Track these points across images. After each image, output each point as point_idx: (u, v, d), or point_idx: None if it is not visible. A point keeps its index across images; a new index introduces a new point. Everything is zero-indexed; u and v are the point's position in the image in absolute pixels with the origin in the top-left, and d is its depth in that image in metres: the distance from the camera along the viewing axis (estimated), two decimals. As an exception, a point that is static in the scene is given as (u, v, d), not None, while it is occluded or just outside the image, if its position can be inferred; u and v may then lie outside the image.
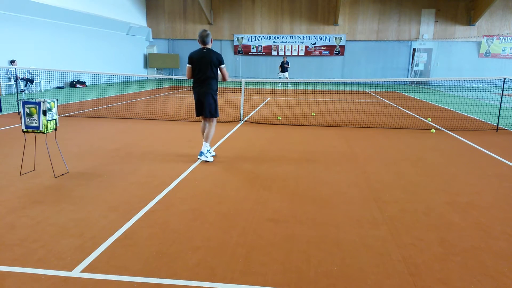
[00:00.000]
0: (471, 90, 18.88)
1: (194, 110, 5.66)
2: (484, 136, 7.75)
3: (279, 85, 22.07)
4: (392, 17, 24.97)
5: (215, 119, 5.61)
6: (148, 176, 4.82)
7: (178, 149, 6.27)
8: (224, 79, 5.58)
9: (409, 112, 11.38)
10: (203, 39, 5.32)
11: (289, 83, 22.21)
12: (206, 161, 5.50)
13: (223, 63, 5.43)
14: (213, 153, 5.85)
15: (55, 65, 17.04)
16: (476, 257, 2.96)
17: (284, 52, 26.10)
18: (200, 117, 5.67)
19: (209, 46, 5.38)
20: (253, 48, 26.37)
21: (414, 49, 25.39)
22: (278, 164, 5.52)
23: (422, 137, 7.59)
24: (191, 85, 5.62)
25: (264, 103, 13.31)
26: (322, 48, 25.90)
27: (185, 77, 8.91)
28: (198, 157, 5.53)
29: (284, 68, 21.01)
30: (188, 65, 5.44)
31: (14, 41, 15.32)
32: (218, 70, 5.46)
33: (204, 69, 5.33)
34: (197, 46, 5.51)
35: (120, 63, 23.36)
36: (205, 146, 5.49)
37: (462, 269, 2.79)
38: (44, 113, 4.48)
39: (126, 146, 6.44)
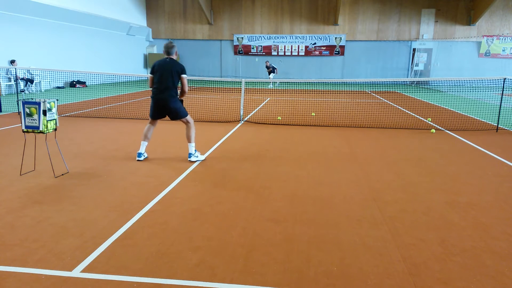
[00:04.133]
0: (471, 90, 18.87)
1: (150, 112, 5.61)
2: (484, 136, 7.75)
3: (270, 86, 21.92)
4: (392, 17, 24.96)
5: (188, 118, 5.59)
6: (148, 176, 4.82)
7: (178, 149, 6.27)
8: (183, 89, 5.54)
9: (409, 112, 11.38)
10: (167, 49, 5.44)
11: (271, 84, 22.15)
12: (197, 160, 5.53)
13: (185, 73, 5.46)
14: (200, 158, 5.65)
15: (55, 65, 17.03)
16: (476, 257, 2.96)
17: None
18: (154, 120, 5.65)
19: (173, 57, 5.47)
20: (253, 48, 26.36)
21: (414, 49, 25.39)
22: (278, 164, 5.52)
23: (422, 137, 7.59)
24: (151, 93, 5.57)
25: (264, 103, 13.31)
26: (322, 48, 25.89)
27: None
28: (188, 159, 5.55)
29: (269, 71, 21.44)
30: (150, 74, 5.50)
31: (14, 41, 15.31)
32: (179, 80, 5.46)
33: (165, 78, 5.35)
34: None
35: (120, 63, 23.35)
36: (191, 147, 5.54)
37: (462, 269, 2.79)
38: (44, 113, 4.48)
39: (126, 146, 6.44)
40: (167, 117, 5.66)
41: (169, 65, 5.37)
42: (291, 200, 4.08)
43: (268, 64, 21.85)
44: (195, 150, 5.59)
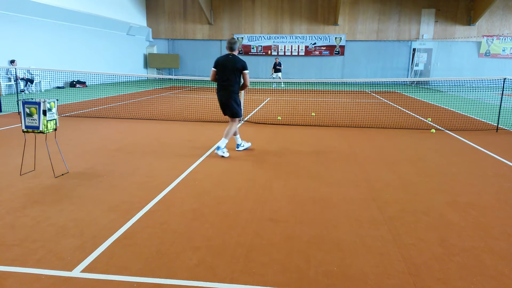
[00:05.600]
0: (471, 90, 18.87)
1: (212, 111, 5.99)
2: (484, 136, 7.75)
3: (274, 85, 22.01)
4: (392, 17, 24.96)
5: (236, 119, 5.90)
6: (148, 176, 4.82)
7: (178, 149, 6.27)
8: (244, 83, 5.86)
9: (409, 112, 11.38)
10: (230, 45, 5.72)
11: (282, 83, 22.19)
12: (223, 156, 5.74)
13: (246, 69, 5.72)
14: (246, 146, 6.28)
15: (55, 65, 17.03)
16: (476, 257, 2.96)
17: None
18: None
19: (235, 52, 5.73)
20: (253, 48, 26.37)
21: (414, 49, 25.39)
22: (278, 164, 5.52)
23: (422, 137, 7.59)
24: (216, 88, 5.93)
25: (264, 103, 13.31)
26: (322, 48, 25.89)
27: (184, 77, 9.11)
28: (216, 151, 5.78)
29: (276, 69, 21.18)
30: (213, 68, 5.80)
31: (14, 41, 15.32)
32: (241, 75, 5.81)
33: (228, 74, 5.65)
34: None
35: (120, 63, 23.36)
36: (223, 142, 5.75)
37: (462, 269, 2.79)
38: (44, 113, 4.48)
39: (126, 146, 6.44)
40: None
41: (231, 62, 5.62)
42: (291, 200, 4.08)
43: (277, 61, 21.67)
44: (224, 147, 5.76)
